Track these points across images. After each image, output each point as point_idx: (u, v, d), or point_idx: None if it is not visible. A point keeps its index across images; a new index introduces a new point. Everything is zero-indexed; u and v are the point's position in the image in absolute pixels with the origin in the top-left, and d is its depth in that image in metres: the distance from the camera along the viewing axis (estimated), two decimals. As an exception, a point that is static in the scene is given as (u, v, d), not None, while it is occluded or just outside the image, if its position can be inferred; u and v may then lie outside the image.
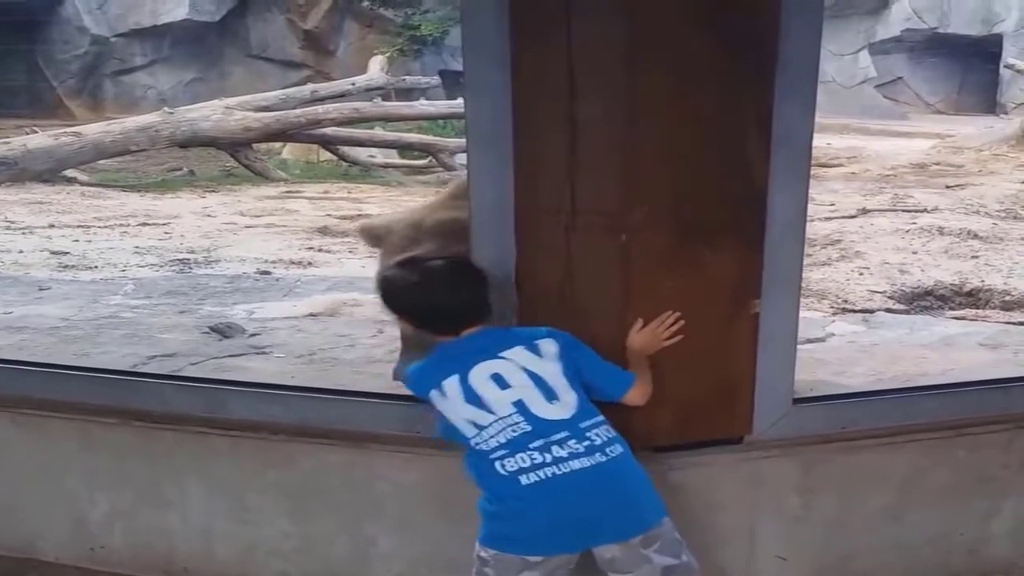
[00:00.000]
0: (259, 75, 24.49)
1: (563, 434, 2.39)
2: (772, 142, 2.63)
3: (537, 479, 2.36)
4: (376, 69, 18.73)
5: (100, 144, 13.67)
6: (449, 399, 2.49)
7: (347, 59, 25.04)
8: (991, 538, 3.18)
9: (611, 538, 2.42)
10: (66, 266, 8.31)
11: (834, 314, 6.21)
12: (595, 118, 2.57)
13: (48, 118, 20.04)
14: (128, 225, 10.44)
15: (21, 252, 8.80)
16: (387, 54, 21.00)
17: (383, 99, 17.14)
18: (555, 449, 2.37)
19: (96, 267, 8.28)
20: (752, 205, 2.67)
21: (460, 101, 16.19)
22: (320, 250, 9.31)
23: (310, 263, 8.71)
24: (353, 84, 17.73)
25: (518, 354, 2.49)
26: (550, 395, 2.44)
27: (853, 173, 14.12)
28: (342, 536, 3.08)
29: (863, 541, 3.05)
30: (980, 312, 6.81)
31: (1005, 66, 24.78)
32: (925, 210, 10.41)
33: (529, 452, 2.38)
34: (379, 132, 16.29)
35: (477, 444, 2.45)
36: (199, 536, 3.19)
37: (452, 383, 2.49)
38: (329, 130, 15.16)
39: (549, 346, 2.51)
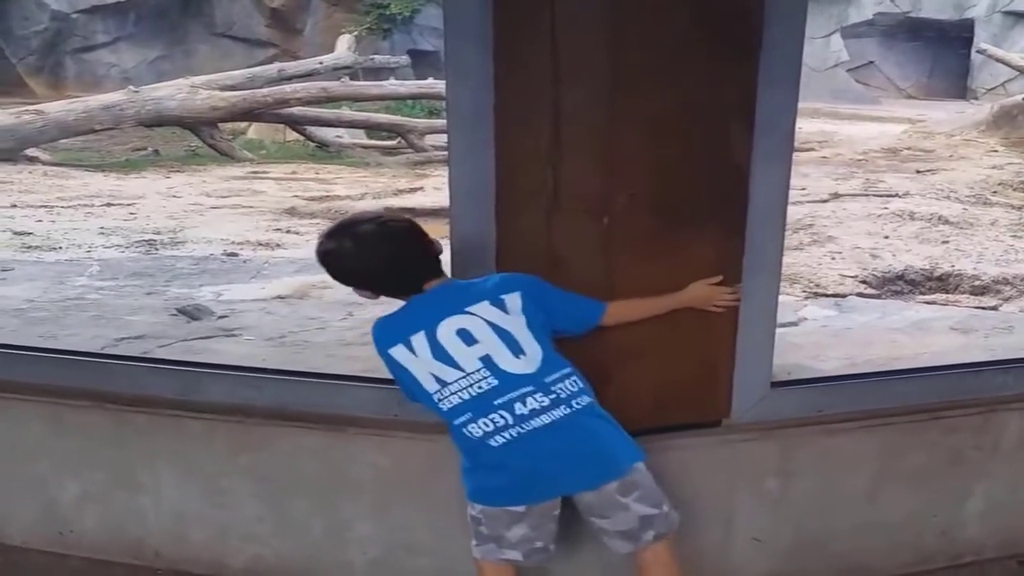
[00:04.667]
0: (225, 54, 24.26)
1: (528, 388, 2.42)
2: (755, 126, 2.62)
3: (505, 440, 2.40)
4: (344, 48, 18.60)
5: (63, 123, 13.50)
6: (418, 355, 2.47)
7: (314, 38, 24.84)
8: (963, 520, 3.20)
9: (581, 487, 2.48)
10: (30, 247, 8.24)
11: (806, 298, 6.26)
12: (578, 101, 2.54)
13: (8, 96, 19.74)
14: (92, 205, 10.34)
15: (-17, 232, 8.69)
16: (355, 33, 20.82)
17: (351, 79, 17.05)
18: (518, 406, 2.40)
19: (60, 248, 8.20)
20: (734, 189, 2.66)
21: (430, 81, 16.15)
22: (288, 231, 9.27)
23: (278, 245, 8.68)
24: (321, 63, 17.60)
25: (484, 309, 2.48)
26: (516, 350, 2.45)
27: (825, 158, 14.21)
28: (317, 520, 3.06)
29: (839, 524, 3.07)
30: (950, 297, 6.90)
31: (977, 51, 24.96)
32: (896, 195, 10.52)
33: (493, 414, 2.41)
34: (347, 112, 16.22)
35: (439, 401, 2.46)
36: (172, 520, 3.15)
37: (420, 339, 2.47)
38: (296, 110, 15.08)
39: (514, 300, 2.49)
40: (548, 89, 2.52)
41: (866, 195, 10.62)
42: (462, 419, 2.44)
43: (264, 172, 13.23)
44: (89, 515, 3.22)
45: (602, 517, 2.52)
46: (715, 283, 2.68)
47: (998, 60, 22.42)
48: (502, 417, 2.41)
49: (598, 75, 2.52)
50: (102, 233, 8.84)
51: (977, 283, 7.10)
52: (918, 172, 12.66)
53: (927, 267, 7.41)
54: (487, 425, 2.41)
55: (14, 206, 10.13)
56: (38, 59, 24.21)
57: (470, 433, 2.43)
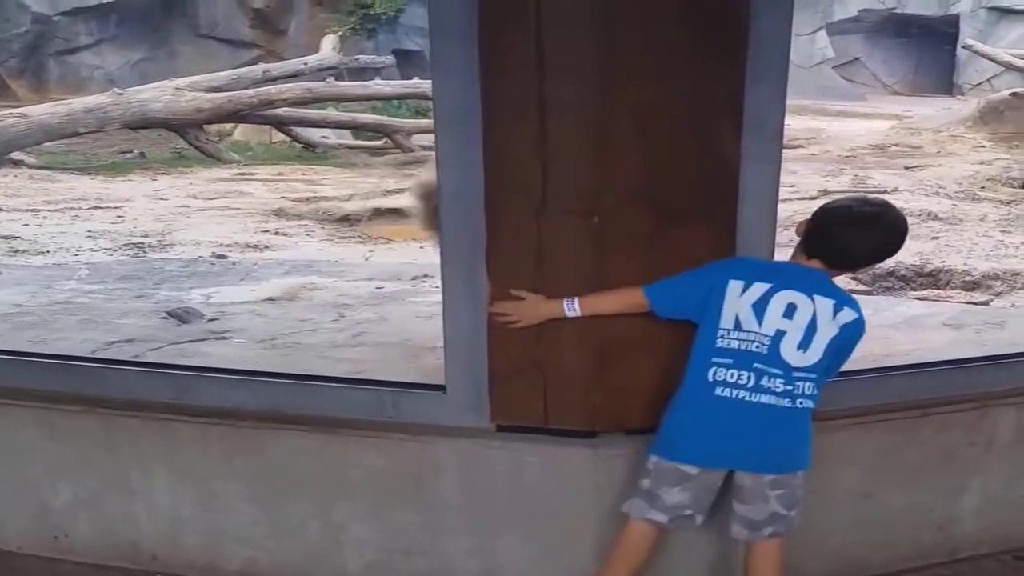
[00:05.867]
0: (209, 55, 24.15)
1: (779, 371, 2.55)
2: (744, 123, 2.62)
3: (728, 396, 2.55)
4: (328, 48, 18.54)
5: (47, 125, 13.43)
6: (744, 296, 2.58)
7: (298, 38, 24.77)
8: (959, 516, 3.22)
9: (750, 467, 2.62)
10: (17, 251, 8.20)
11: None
12: (565, 99, 2.53)
13: (-12, 99, 19.68)
14: (79, 209, 10.30)
15: (-31, 237, 8.65)
16: (339, 33, 20.78)
17: (336, 79, 17.00)
18: (764, 379, 2.54)
19: (48, 251, 8.17)
20: (724, 186, 2.66)
21: (415, 81, 16.09)
22: (276, 233, 9.25)
23: (266, 246, 8.66)
24: (305, 64, 17.54)
25: (823, 305, 2.58)
26: (806, 345, 2.56)
27: (813, 154, 14.24)
28: (312, 522, 3.05)
29: (835, 520, 3.07)
30: (942, 292, 6.92)
31: (963, 47, 25.00)
32: (885, 191, 10.53)
33: (744, 371, 2.55)
34: (333, 113, 16.18)
35: (719, 335, 2.58)
36: (166, 524, 3.14)
37: (760, 288, 2.58)
38: (282, 111, 15.05)
39: (847, 315, 2.59)
40: (535, 88, 2.52)
41: (855, 191, 10.64)
42: (720, 359, 2.56)
43: (251, 174, 13.20)
44: (83, 520, 3.21)
45: (742, 503, 2.66)
46: None
47: (984, 56, 22.50)
48: (746, 378, 2.54)
49: (585, 74, 2.52)
50: (90, 236, 8.80)
51: (968, 278, 7.14)
52: (906, 168, 12.71)
53: (918, 263, 7.44)
54: (731, 376, 2.55)
55: (0, 210, 10.08)
56: (20, 61, 24.07)
57: (713, 375, 2.56)
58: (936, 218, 9.13)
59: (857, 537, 3.11)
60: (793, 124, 16.51)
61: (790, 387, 2.55)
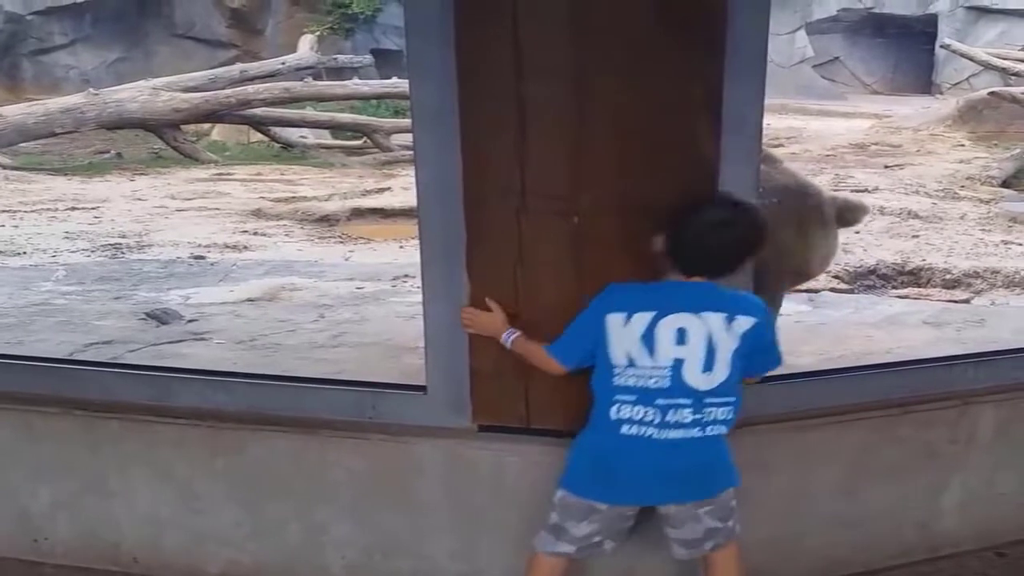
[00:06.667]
0: (185, 55, 23.98)
1: (686, 401, 2.47)
2: (722, 122, 2.61)
3: (635, 433, 2.47)
4: (306, 48, 18.50)
5: (23, 126, 13.36)
6: (628, 329, 2.48)
7: (276, 38, 24.62)
8: (940, 513, 3.22)
9: (671, 500, 2.57)
10: (-7, 252, 8.13)
11: (778, 294, 6.26)
12: (543, 99, 2.53)
13: (-39, 100, 19.47)
14: (56, 209, 10.23)
15: (-55, 238, 8.58)
16: (317, 33, 20.72)
17: (314, 79, 16.94)
18: (670, 413, 2.46)
19: (25, 253, 8.10)
20: (703, 186, 2.64)
21: (394, 80, 16.04)
22: (255, 233, 9.20)
23: (245, 247, 8.62)
24: (283, 63, 17.49)
25: (713, 321, 2.48)
26: (709, 365, 2.48)
27: (793, 154, 14.26)
28: (294, 523, 3.03)
29: (816, 519, 3.08)
30: (922, 291, 6.95)
31: (941, 46, 25.09)
32: (866, 190, 10.57)
33: (648, 408, 2.46)
34: (311, 112, 16.12)
35: (616, 374, 2.49)
36: (147, 526, 3.12)
37: (643, 318, 2.48)
38: (260, 111, 14.97)
39: (743, 324, 2.50)
40: (512, 87, 2.52)
41: (836, 191, 10.68)
42: (624, 397, 2.48)
43: (229, 174, 13.14)
44: (63, 522, 3.18)
45: (673, 527, 2.61)
46: None
47: (962, 55, 22.55)
48: (652, 415, 2.46)
49: (562, 73, 2.52)
50: (67, 237, 8.74)
51: (948, 277, 7.17)
52: (886, 167, 12.77)
53: (899, 262, 7.47)
54: (636, 413, 2.47)
55: (-24, 212, 10.02)
56: (-7, 61, 23.87)
57: (618, 412, 2.48)
58: (916, 217, 9.17)
59: (837, 537, 3.11)
60: (773, 123, 16.59)
61: (699, 415, 2.47)
